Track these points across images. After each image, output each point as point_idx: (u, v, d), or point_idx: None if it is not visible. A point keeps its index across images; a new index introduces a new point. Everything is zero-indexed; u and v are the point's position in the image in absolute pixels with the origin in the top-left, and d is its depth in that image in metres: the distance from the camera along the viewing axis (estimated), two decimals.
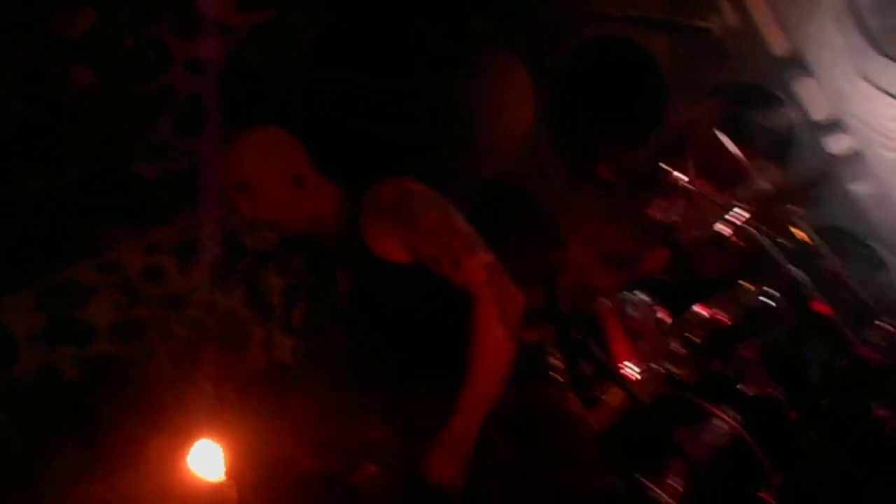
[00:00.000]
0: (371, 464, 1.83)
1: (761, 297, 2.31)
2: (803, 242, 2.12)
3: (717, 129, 2.16)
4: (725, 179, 2.25)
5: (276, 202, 1.63)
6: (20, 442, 2.79)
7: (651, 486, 1.94)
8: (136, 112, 2.85)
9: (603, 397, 2.35)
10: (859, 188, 2.75)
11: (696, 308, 2.36)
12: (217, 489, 2.43)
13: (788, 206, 2.19)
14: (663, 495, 1.94)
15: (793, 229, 2.18)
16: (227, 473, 2.38)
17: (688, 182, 2.13)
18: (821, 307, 1.99)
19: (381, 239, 1.61)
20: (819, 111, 2.76)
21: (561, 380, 1.94)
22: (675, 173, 2.16)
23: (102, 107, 2.68)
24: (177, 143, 3.03)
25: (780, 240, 2.02)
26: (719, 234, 2.16)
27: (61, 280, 2.99)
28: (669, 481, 2.07)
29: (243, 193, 1.63)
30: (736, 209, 2.05)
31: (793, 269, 2.02)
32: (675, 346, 2.30)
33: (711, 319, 2.28)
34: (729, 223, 2.05)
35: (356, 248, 1.64)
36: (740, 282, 2.36)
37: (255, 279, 3.25)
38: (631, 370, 2.17)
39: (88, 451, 2.85)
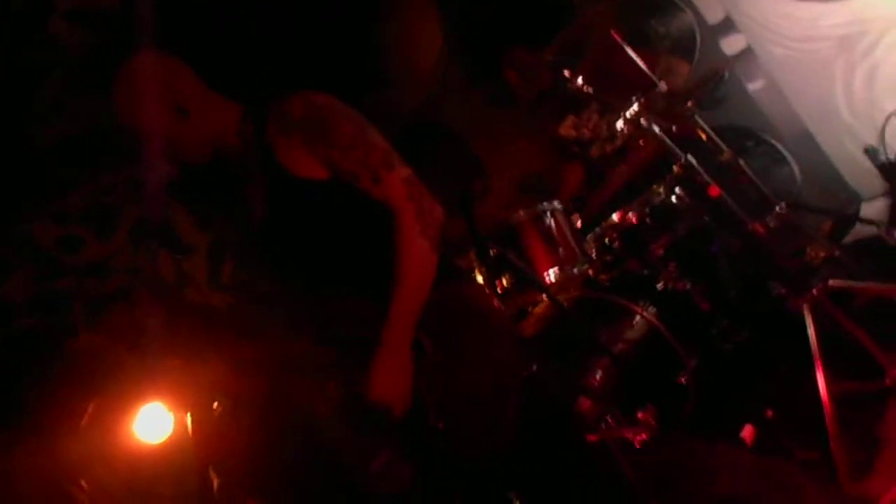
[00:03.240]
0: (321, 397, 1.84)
1: (671, 197, 2.40)
2: (700, 137, 2.21)
3: (614, 33, 2.19)
4: (625, 82, 2.30)
5: (165, 136, 1.58)
6: None
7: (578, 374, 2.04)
8: (23, 69, 2.69)
9: (530, 309, 2.43)
10: (755, 86, 2.86)
11: (612, 215, 2.45)
12: (162, 449, 2.41)
13: (688, 104, 2.26)
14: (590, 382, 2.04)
15: (692, 126, 2.26)
16: (176, 431, 2.36)
17: (585, 86, 2.17)
18: (713, 190, 2.09)
19: (294, 155, 1.57)
20: (714, 14, 2.84)
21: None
22: (577, 79, 2.20)
23: None
24: (75, 103, 2.88)
25: (673, 129, 2.09)
26: (626, 142, 2.23)
27: None
28: (594, 375, 2.18)
29: (133, 133, 1.58)
30: (633, 106, 2.11)
31: (688, 157, 2.11)
32: (591, 250, 2.38)
33: (621, 221, 2.36)
34: (628, 122, 2.11)
35: (267, 166, 1.60)
36: (653, 185, 2.45)
37: (173, 234, 3.17)
38: (550, 277, 2.24)
39: (20, 429, 2.78)
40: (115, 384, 2.72)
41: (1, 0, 2.42)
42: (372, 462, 1.59)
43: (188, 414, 2.30)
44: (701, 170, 2.08)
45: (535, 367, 1.82)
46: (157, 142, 1.59)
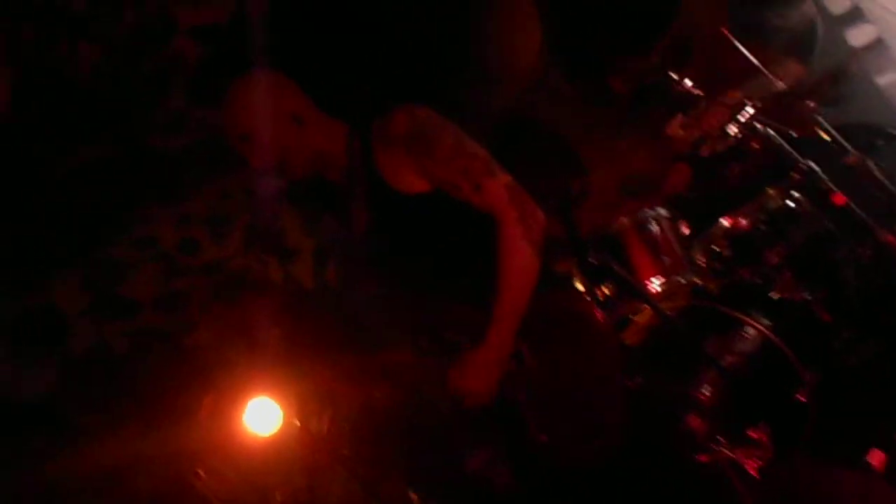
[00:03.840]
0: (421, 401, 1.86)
1: (785, 201, 2.25)
2: (823, 139, 2.05)
3: (724, 29, 2.08)
4: (737, 82, 2.18)
5: (279, 144, 1.65)
6: (79, 418, 2.91)
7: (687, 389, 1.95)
8: (146, 85, 2.89)
9: (632, 317, 2.35)
10: (885, 79, 2.63)
11: (722, 220, 2.33)
12: (272, 442, 2.51)
13: (808, 103, 2.11)
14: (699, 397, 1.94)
15: (814, 127, 2.11)
16: (284, 425, 2.45)
17: (694, 87, 2.06)
18: (838, 198, 1.94)
19: (397, 169, 1.63)
20: (838, 4, 2.63)
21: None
22: (684, 80, 2.10)
23: (112, 82, 2.72)
24: (193, 113, 3.07)
25: (793, 134, 1.95)
26: (737, 141, 2.11)
27: (102, 258, 3.08)
28: (703, 391, 2.07)
29: (247, 143, 1.66)
30: (746, 108, 1.99)
31: (808, 162, 1.97)
32: (700, 258, 2.27)
33: (732, 227, 2.24)
34: (739, 123, 2.00)
35: (371, 181, 1.66)
36: (767, 189, 2.31)
37: (280, 240, 3.31)
38: (655, 286, 2.15)
39: (145, 420, 2.97)
40: (229, 378, 2.87)
41: (135, 23, 2.60)
42: (470, 460, 1.61)
43: (293, 414, 2.40)
44: (824, 177, 1.93)
45: (640, 380, 1.76)
46: (269, 151, 1.67)
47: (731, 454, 1.77)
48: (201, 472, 2.60)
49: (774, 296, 2.19)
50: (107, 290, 3.06)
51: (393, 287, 1.84)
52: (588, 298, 1.98)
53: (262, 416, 2.53)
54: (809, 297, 2.19)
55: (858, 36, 2.62)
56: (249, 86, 1.70)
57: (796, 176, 2.05)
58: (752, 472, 1.75)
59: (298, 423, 2.43)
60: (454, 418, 1.66)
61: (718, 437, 1.87)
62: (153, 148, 3.05)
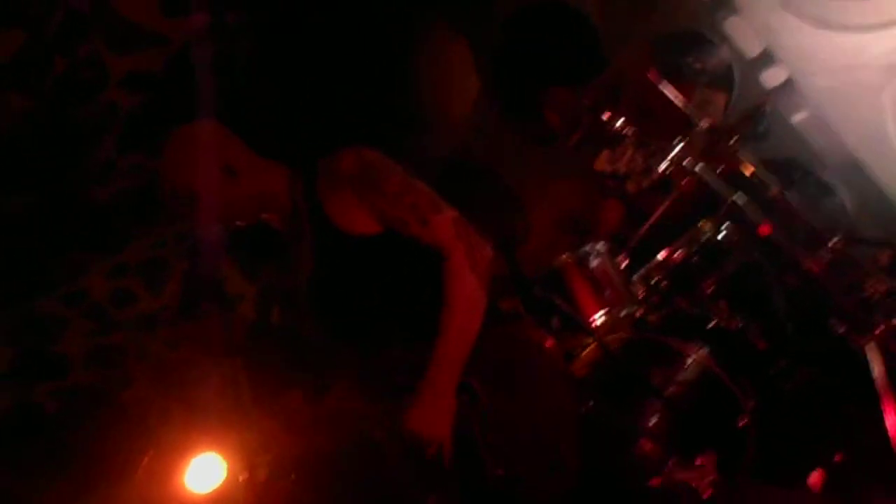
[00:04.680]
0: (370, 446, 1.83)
1: (718, 234, 2.36)
2: (746, 173, 2.18)
3: (650, 72, 2.20)
4: (665, 121, 2.29)
5: (214, 196, 1.64)
6: (9, 483, 2.75)
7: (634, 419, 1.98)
8: (78, 133, 2.82)
9: (578, 351, 2.39)
10: (798, 118, 2.82)
11: (659, 255, 2.41)
12: (213, 499, 2.42)
13: (730, 141, 2.23)
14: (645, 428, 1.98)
15: (737, 162, 2.23)
16: (228, 480, 2.37)
17: (625, 128, 2.16)
18: (765, 229, 2.05)
19: (344, 209, 1.62)
20: (751, 48, 2.82)
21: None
22: (617, 121, 2.20)
23: (42, 131, 2.65)
24: (124, 161, 3.00)
25: (719, 170, 2.07)
26: (664, 177, 2.21)
27: (29, 314, 2.95)
28: (649, 421, 2.12)
29: (181, 195, 1.63)
30: (676, 148, 2.10)
31: (735, 196, 2.08)
32: (639, 291, 2.34)
33: (667, 260, 2.32)
34: (669, 162, 2.10)
35: (316, 222, 1.65)
36: (699, 223, 2.41)
37: (221, 287, 3.24)
38: (598, 319, 2.20)
39: (77, 481, 2.82)
40: (167, 434, 2.76)
41: (67, 72, 2.55)
42: None
43: (239, 466, 2.32)
44: (750, 209, 2.04)
45: (591, 405, 1.78)
46: (206, 201, 1.64)
47: (683, 477, 1.80)
48: None
49: (711, 325, 2.27)
50: (34, 347, 2.92)
51: (337, 331, 1.82)
52: (537, 329, 2.00)
53: (205, 473, 2.44)
54: (744, 325, 2.28)
55: (772, 78, 2.81)
56: (181, 138, 1.68)
57: (724, 209, 2.16)
58: (703, 495, 1.78)
59: (243, 478, 2.35)
60: (404, 464, 1.63)
61: (670, 462, 1.90)
62: (83, 196, 2.97)
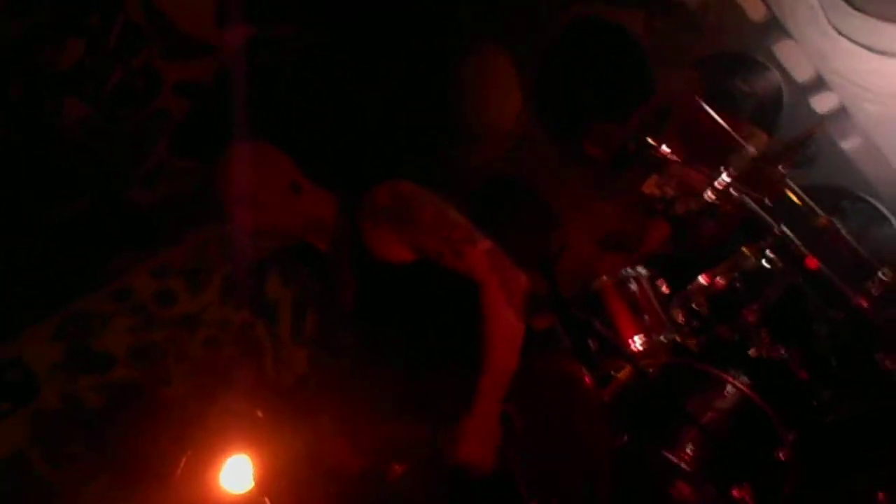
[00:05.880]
0: (397, 463, 1.86)
1: (761, 261, 2.32)
2: (794, 203, 2.14)
3: (699, 97, 2.18)
4: (711, 148, 2.27)
5: (277, 210, 1.69)
6: (50, 474, 2.83)
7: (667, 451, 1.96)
8: (131, 139, 2.90)
9: (614, 374, 2.38)
10: (849, 144, 2.76)
11: (700, 278, 2.38)
12: (246, 501, 2.46)
13: (778, 168, 2.20)
14: (680, 460, 1.96)
15: (784, 190, 2.20)
16: (258, 485, 2.41)
17: (671, 153, 2.15)
18: (813, 262, 2.01)
19: (382, 242, 1.67)
20: (802, 72, 2.77)
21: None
22: (662, 147, 2.19)
23: (97, 137, 2.73)
24: (173, 166, 3.08)
25: (766, 201, 2.04)
26: (710, 203, 2.18)
27: (76, 311, 3.04)
28: (685, 449, 2.09)
29: (245, 204, 1.68)
30: (722, 176, 2.07)
31: (782, 227, 2.04)
32: (678, 316, 2.32)
33: (710, 286, 2.29)
34: (716, 190, 2.08)
35: (357, 251, 1.70)
36: (742, 248, 2.37)
37: (261, 291, 3.29)
38: (636, 344, 2.19)
39: (118, 476, 2.89)
40: (204, 434, 2.81)
41: (122, 80, 2.63)
42: None
43: (270, 471, 2.36)
44: (797, 241, 2.01)
45: (626, 438, 1.77)
46: (264, 216, 1.69)
47: None
48: None
49: (752, 353, 2.24)
50: (80, 343, 3.01)
51: (373, 350, 1.85)
52: (573, 357, 2.00)
53: (238, 474, 2.49)
54: (786, 355, 2.24)
55: (822, 103, 2.75)
56: (253, 150, 1.74)
57: (770, 240, 2.13)
58: None
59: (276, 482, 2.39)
60: (436, 483, 1.65)
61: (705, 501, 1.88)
62: (131, 200, 3.05)
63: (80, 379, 2.97)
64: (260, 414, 2.85)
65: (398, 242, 1.65)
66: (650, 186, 2.54)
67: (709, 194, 2.07)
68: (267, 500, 2.38)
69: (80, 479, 2.81)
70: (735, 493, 1.96)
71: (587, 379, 1.75)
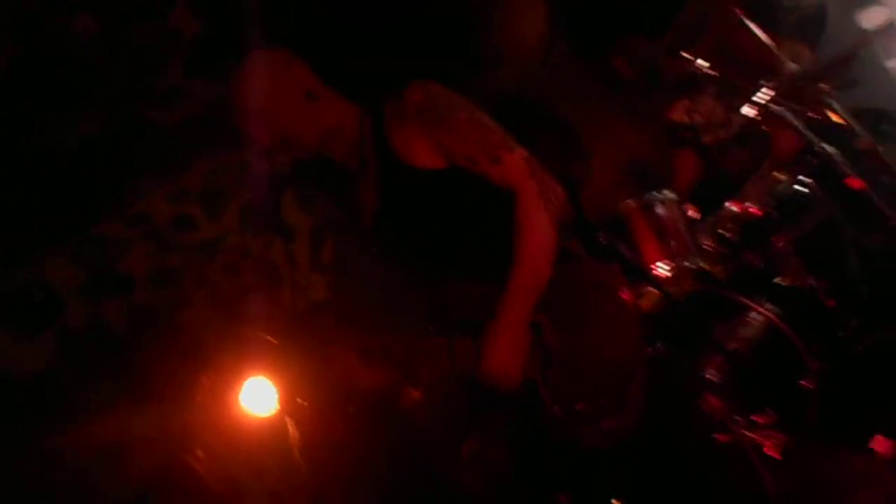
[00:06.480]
0: (412, 387, 1.85)
1: (795, 186, 2.23)
2: (836, 122, 2.03)
3: (737, 10, 2.04)
4: (750, 63, 2.15)
5: (292, 119, 1.62)
6: (76, 395, 2.88)
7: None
8: (144, 57, 2.82)
9: (639, 301, 2.33)
10: (894, 63, 2.61)
11: (728, 204, 2.31)
12: (269, 423, 2.49)
13: (820, 86, 2.08)
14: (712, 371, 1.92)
15: (826, 110, 2.08)
16: (281, 406, 2.44)
17: (704, 70, 2.03)
18: (855, 182, 1.92)
19: (412, 144, 1.60)
20: None
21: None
22: (697, 60, 2.07)
23: (109, 55, 2.66)
24: (190, 86, 3.01)
25: (811, 115, 1.93)
26: (743, 130, 2.08)
27: (95, 235, 3.04)
28: (710, 375, 2.07)
29: (259, 117, 1.62)
30: (762, 90, 1.96)
31: (825, 145, 1.94)
32: (706, 242, 2.25)
33: (742, 213, 2.22)
34: (755, 104, 1.97)
35: (383, 158, 1.62)
36: (774, 172, 2.29)
37: (278, 215, 3.26)
38: (661, 269, 2.14)
39: (137, 398, 2.94)
40: (224, 357, 2.84)
41: None
42: (462, 448, 1.59)
43: (292, 394, 2.38)
44: (841, 160, 1.91)
45: (660, 347, 1.74)
46: (280, 127, 1.63)
47: (750, 434, 1.76)
48: (199, 453, 2.58)
49: (780, 281, 2.18)
50: (100, 266, 3.02)
51: (393, 268, 1.81)
52: (608, 268, 1.95)
53: (259, 396, 2.51)
54: (815, 284, 2.18)
55: (870, 18, 2.58)
56: (263, 60, 1.66)
57: (812, 159, 2.03)
58: (771, 454, 1.74)
59: (300, 402, 2.41)
60: (451, 403, 1.64)
61: (735, 417, 1.86)
62: (149, 121, 3.00)
63: (102, 302, 2.99)
64: (273, 340, 2.87)
65: (428, 145, 1.58)
66: (678, 112, 2.44)
67: (746, 110, 1.97)
68: (288, 419, 2.41)
69: (105, 399, 2.86)
70: (758, 419, 1.94)
71: (623, 286, 1.70)
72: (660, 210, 2.23)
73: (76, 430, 2.63)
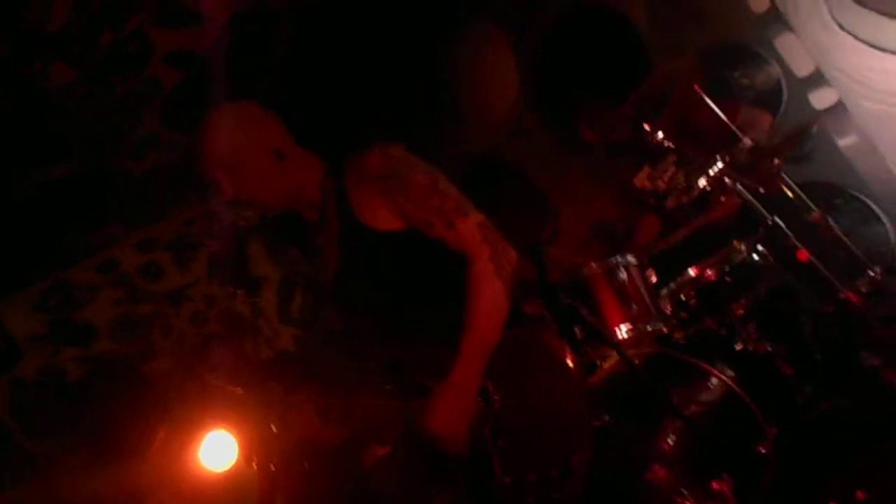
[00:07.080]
0: (377, 445, 1.84)
1: (752, 254, 2.30)
2: (787, 197, 2.12)
3: (697, 86, 2.15)
4: (708, 137, 2.24)
5: (259, 176, 1.64)
6: (29, 445, 2.80)
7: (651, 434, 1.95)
8: (120, 107, 2.85)
9: (599, 363, 2.36)
10: (846, 141, 2.74)
11: (689, 270, 2.36)
12: (227, 478, 2.44)
13: (774, 161, 2.18)
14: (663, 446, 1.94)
15: (779, 183, 2.18)
16: (244, 459, 2.38)
17: (666, 140, 2.12)
18: (803, 255, 2.00)
19: (370, 207, 1.62)
20: (802, 67, 2.74)
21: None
22: (657, 133, 2.16)
23: (85, 103, 2.69)
24: (165, 137, 3.04)
25: (761, 191, 2.02)
26: (703, 194, 2.16)
27: (60, 281, 3.01)
28: (667, 439, 2.08)
29: (225, 170, 1.64)
30: (717, 164, 2.05)
31: (775, 218, 2.02)
32: (666, 306, 2.30)
33: (699, 278, 2.28)
34: (710, 178, 2.05)
35: (344, 217, 1.65)
36: (733, 241, 2.36)
37: (245, 267, 3.26)
38: (622, 332, 2.17)
39: (97, 449, 2.87)
40: (184, 410, 2.79)
41: (112, 45, 2.58)
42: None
43: (251, 449, 2.33)
44: (790, 233, 1.99)
45: (606, 419, 1.75)
46: (246, 182, 1.64)
47: None
48: None
49: (738, 347, 2.23)
50: (63, 314, 2.98)
51: (357, 326, 1.82)
52: (557, 335, 1.97)
53: (218, 451, 2.46)
54: (772, 350, 2.23)
55: (821, 98, 2.73)
56: (234, 114, 1.69)
57: (762, 231, 2.11)
58: None
59: (255, 461, 2.37)
60: (414, 462, 1.63)
61: (682, 489, 1.87)
62: (120, 169, 3.00)
63: (62, 351, 2.94)
64: (240, 391, 2.82)
65: (386, 208, 1.61)
66: (642, 180, 2.52)
67: (702, 182, 2.05)
68: (248, 474, 2.36)
69: (59, 451, 2.78)
70: (715, 485, 1.95)
71: (570, 358, 1.72)
72: (622, 274, 2.27)
73: (29, 485, 2.55)
